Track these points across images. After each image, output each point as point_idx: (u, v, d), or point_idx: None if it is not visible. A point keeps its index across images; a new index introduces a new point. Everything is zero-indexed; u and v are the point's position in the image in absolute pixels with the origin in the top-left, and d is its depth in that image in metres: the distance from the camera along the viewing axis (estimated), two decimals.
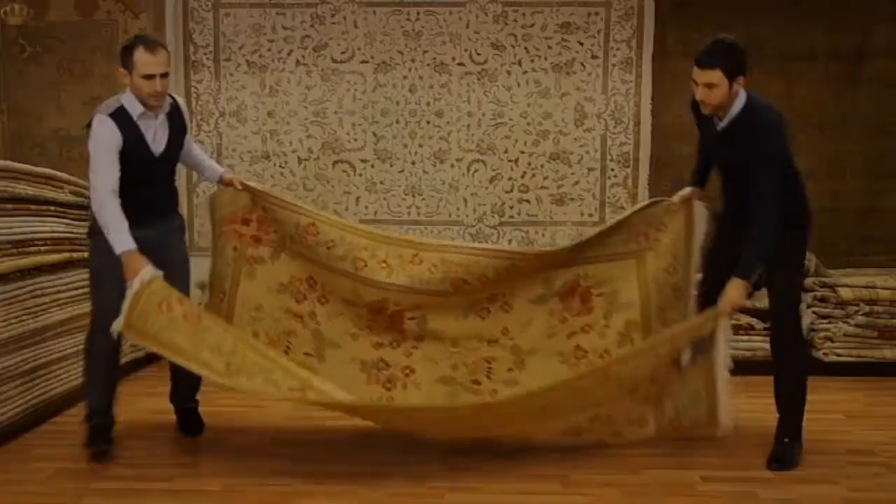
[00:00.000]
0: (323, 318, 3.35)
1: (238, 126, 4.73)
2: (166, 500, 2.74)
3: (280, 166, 4.73)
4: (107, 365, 3.06)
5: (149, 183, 3.04)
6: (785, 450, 3.01)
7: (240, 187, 3.33)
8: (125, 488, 2.83)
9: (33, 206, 3.49)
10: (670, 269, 3.24)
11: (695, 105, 3.02)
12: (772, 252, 2.89)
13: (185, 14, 4.67)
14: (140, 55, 2.91)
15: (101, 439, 3.06)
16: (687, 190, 3.25)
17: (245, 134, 4.72)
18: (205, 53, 4.70)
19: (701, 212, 3.22)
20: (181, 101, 3.21)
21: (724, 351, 2.96)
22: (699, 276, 3.23)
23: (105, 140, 2.91)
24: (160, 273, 2.89)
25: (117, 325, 2.81)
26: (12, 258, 3.33)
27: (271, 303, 3.34)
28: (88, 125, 2.96)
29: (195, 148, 3.39)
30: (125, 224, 2.87)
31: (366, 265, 3.27)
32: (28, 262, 3.40)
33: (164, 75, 2.96)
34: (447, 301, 3.31)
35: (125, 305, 2.80)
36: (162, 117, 3.06)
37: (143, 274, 2.83)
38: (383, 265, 3.27)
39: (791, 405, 3.06)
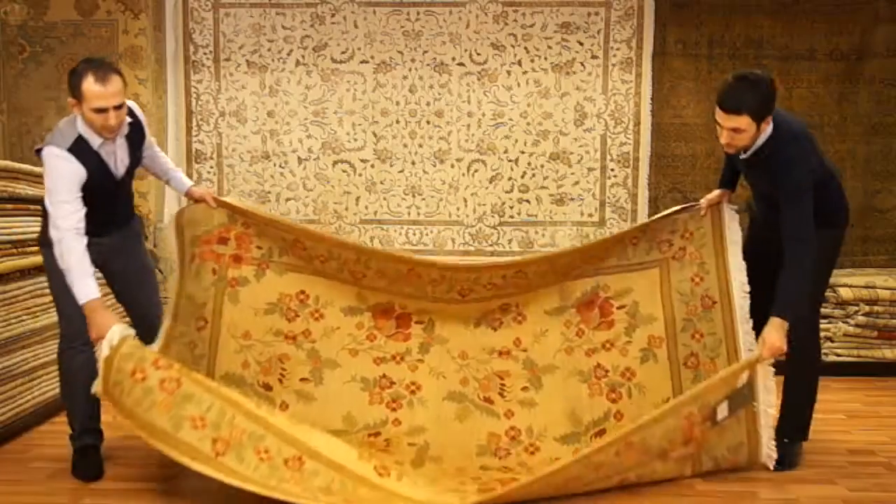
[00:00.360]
0: (318, 335, 3.19)
1: (238, 126, 4.72)
2: (166, 500, 2.74)
3: (280, 166, 4.73)
4: (85, 379, 2.75)
5: (109, 202, 2.85)
6: (785, 450, 3.00)
7: (214, 205, 3.10)
8: (125, 488, 2.83)
9: (33, 206, 3.48)
10: (696, 279, 3.11)
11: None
12: (807, 285, 2.75)
13: (185, 14, 4.67)
14: (89, 86, 2.59)
15: (90, 463, 2.92)
16: (715, 193, 3.12)
17: (245, 134, 4.72)
18: (205, 53, 4.70)
19: (731, 214, 3.08)
20: (137, 109, 2.92)
21: (767, 399, 2.84)
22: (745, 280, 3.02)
23: (67, 178, 2.65)
24: (131, 332, 2.69)
25: (96, 390, 2.65)
26: (12, 258, 3.33)
27: (259, 326, 3.16)
28: (38, 152, 2.71)
29: (158, 154, 3.14)
30: (90, 269, 2.65)
31: (364, 275, 3.18)
32: (28, 263, 3.40)
33: (119, 107, 2.66)
34: (456, 308, 3.20)
35: (99, 371, 2.63)
36: (121, 139, 2.82)
37: (111, 336, 2.61)
38: (380, 275, 3.18)
39: (797, 406, 3.04)
